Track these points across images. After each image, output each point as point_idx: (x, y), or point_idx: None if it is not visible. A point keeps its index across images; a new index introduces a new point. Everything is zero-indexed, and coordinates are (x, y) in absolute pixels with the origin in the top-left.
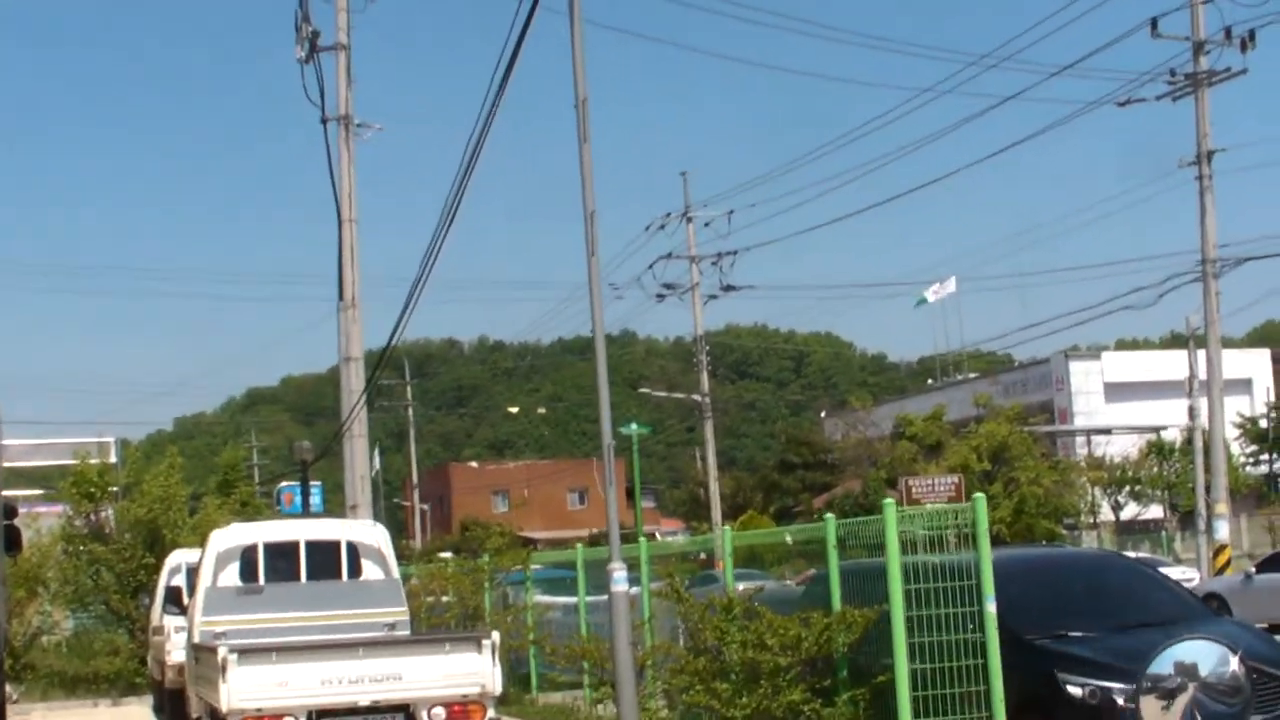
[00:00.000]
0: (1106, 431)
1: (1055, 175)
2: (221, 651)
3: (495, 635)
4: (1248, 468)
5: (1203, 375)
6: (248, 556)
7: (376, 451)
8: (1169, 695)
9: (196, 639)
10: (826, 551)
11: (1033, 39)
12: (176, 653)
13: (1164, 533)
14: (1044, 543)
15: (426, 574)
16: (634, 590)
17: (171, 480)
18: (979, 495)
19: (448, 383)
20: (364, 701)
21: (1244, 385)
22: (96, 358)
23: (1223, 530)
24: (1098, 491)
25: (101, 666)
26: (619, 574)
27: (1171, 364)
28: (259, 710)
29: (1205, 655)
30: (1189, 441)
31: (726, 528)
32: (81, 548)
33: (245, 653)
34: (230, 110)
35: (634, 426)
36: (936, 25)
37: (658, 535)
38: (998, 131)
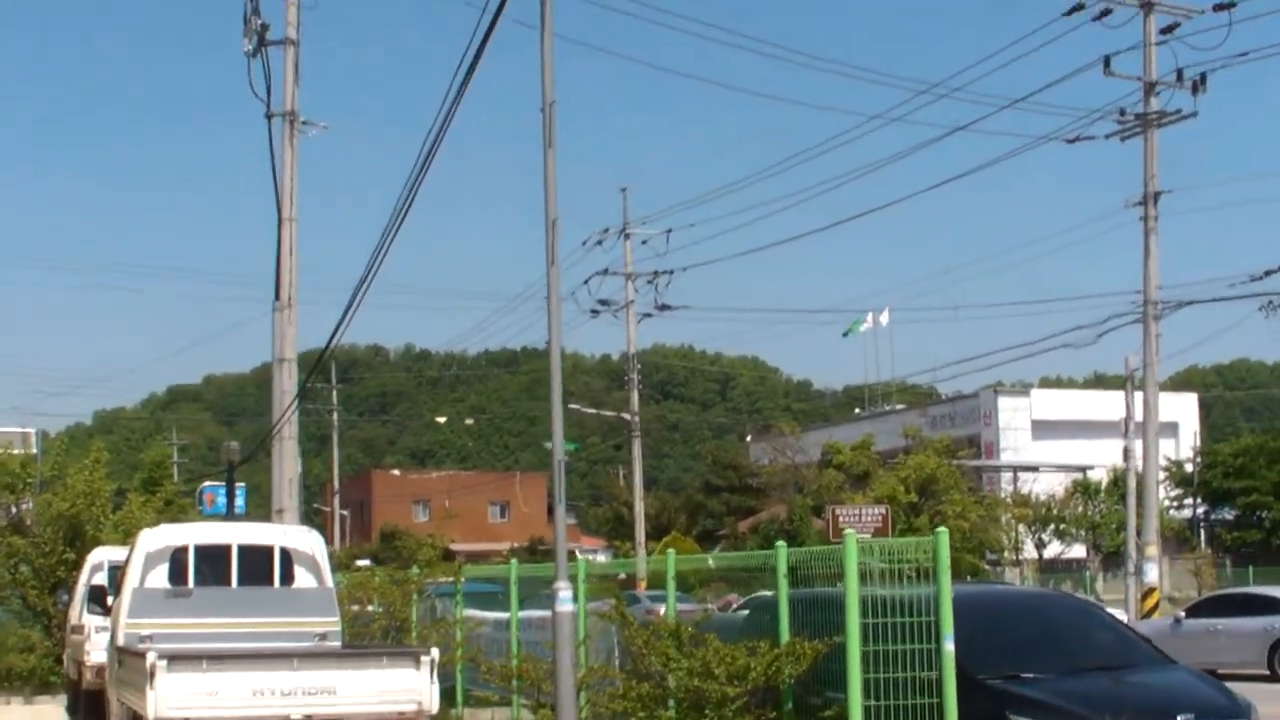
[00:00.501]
0: (1034, 468)
1: (997, 210)
2: (150, 657)
3: (434, 652)
4: (1171, 511)
5: (1138, 417)
6: (178, 558)
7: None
8: None
9: (121, 641)
10: (776, 580)
11: (984, 70)
12: (97, 653)
13: (1087, 572)
14: (969, 578)
15: (353, 583)
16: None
17: (96, 475)
18: (941, 530)
19: (372, 388)
20: (296, 715)
21: (1170, 429)
22: (14, 345)
23: (1152, 573)
24: (1022, 528)
25: (15, 663)
26: (564, 594)
27: (1099, 404)
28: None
29: None
30: (1115, 482)
31: (670, 552)
32: (0, 540)
33: (175, 659)
34: (170, 101)
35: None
36: (892, 51)
37: (578, 553)
38: (943, 163)
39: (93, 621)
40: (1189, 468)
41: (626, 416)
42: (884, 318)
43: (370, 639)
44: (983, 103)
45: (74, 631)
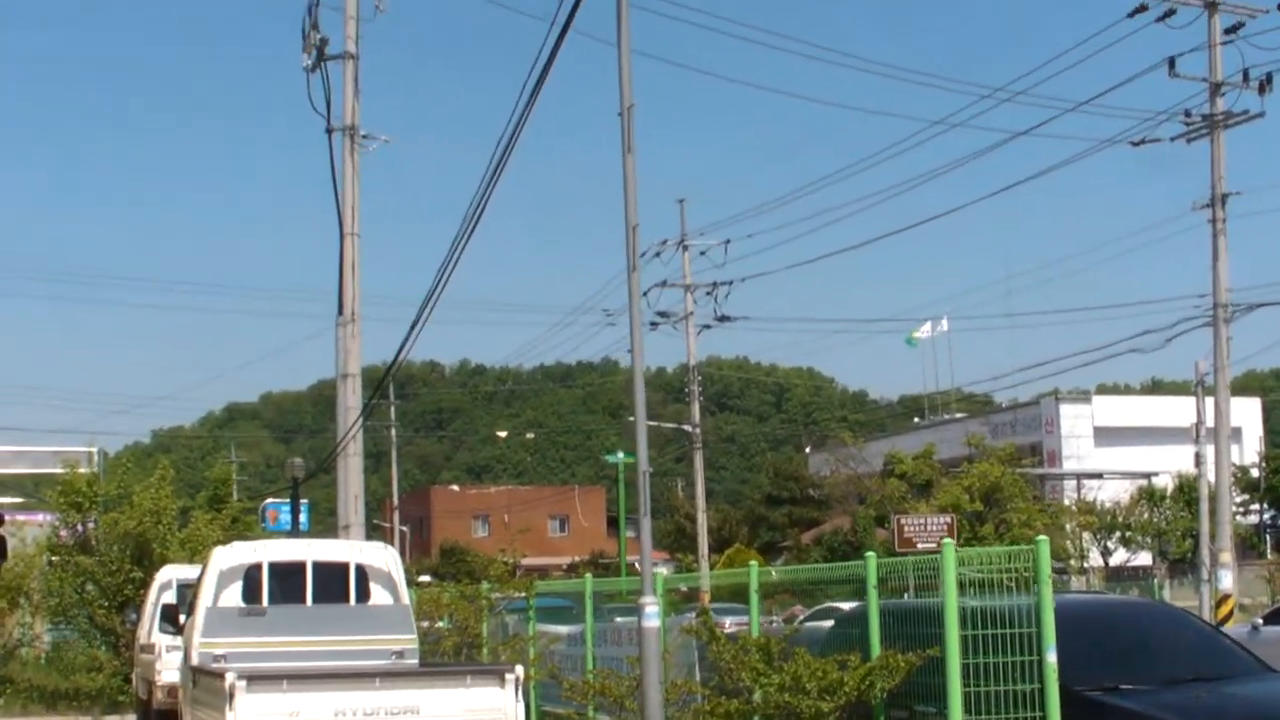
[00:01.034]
0: (1098, 476)
1: (1061, 216)
2: (230, 677)
3: (519, 669)
4: (1238, 517)
5: (1208, 422)
6: (251, 576)
7: None
8: None
9: (195, 660)
10: (867, 591)
11: (1048, 74)
12: (168, 673)
13: (1154, 579)
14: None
15: (422, 599)
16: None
17: (163, 493)
18: (1041, 538)
19: (428, 405)
20: None
21: (1235, 434)
22: (74, 366)
23: (1227, 580)
24: (1087, 536)
25: (83, 682)
26: (651, 608)
27: (1161, 410)
28: None
29: None
30: (1180, 488)
31: (753, 564)
32: (67, 559)
33: (255, 679)
34: (225, 118)
35: (620, 455)
36: (956, 56)
37: (636, 565)
38: (1007, 169)
39: (164, 640)
40: (1255, 473)
41: (687, 428)
42: (943, 325)
43: (442, 656)
44: (1047, 106)
45: (144, 650)
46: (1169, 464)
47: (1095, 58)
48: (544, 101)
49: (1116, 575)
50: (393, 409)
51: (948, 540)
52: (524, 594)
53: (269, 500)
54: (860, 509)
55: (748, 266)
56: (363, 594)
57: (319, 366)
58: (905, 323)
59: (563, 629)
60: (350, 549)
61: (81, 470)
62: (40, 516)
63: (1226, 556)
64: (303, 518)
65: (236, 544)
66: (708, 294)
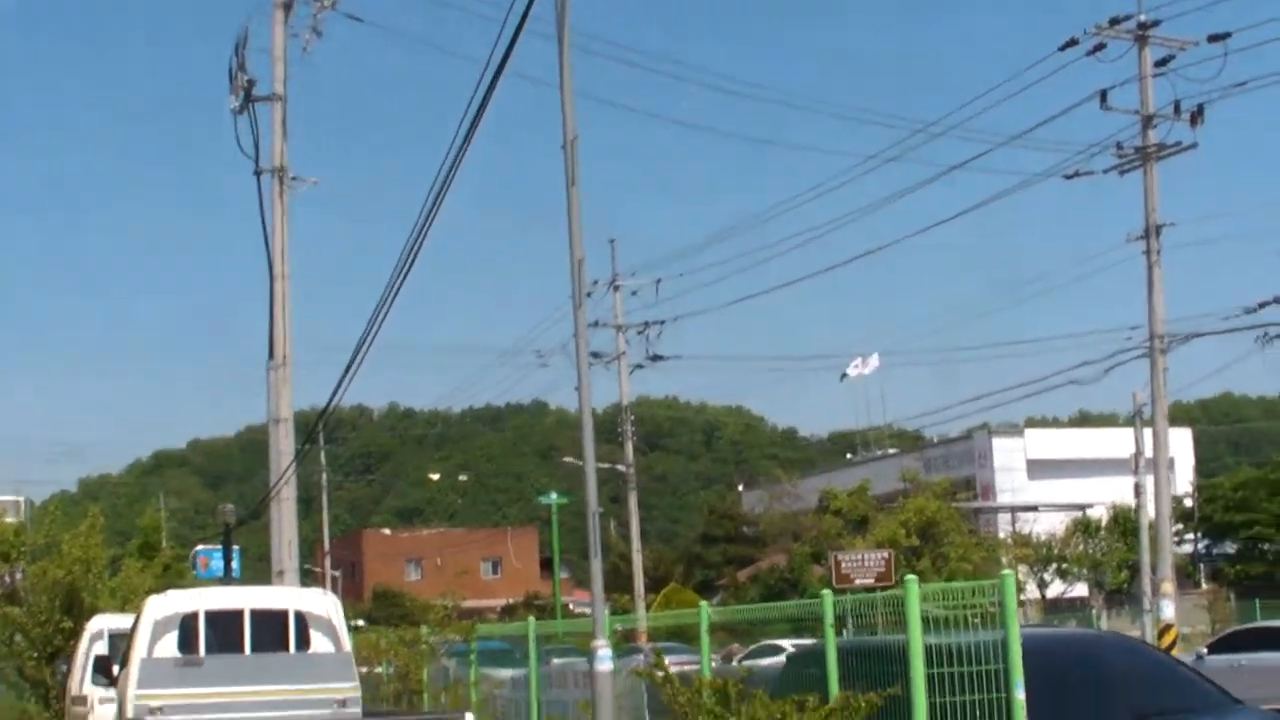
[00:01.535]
0: (1033, 508)
1: (992, 251)
2: None
3: (469, 717)
4: (1175, 547)
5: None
6: (187, 625)
7: None
8: None
9: (131, 714)
10: (824, 629)
11: (979, 109)
12: None
13: (1091, 610)
14: None
15: (363, 644)
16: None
17: (92, 541)
18: (1007, 572)
19: (357, 449)
20: None
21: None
22: None
23: (1169, 610)
24: (1023, 569)
25: None
26: (603, 652)
27: (1092, 441)
28: None
29: None
30: (1115, 519)
31: (704, 604)
32: None
33: None
34: (144, 160)
35: (554, 496)
36: (886, 92)
37: (571, 606)
38: (940, 204)
39: (96, 693)
40: (1188, 502)
41: (620, 468)
42: (874, 362)
43: (382, 703)
44: (980, 140)
45: (75, 703)
46: (1103, 495)
47: (1027, 92)
48: (475, 142)
49: (1054, 607)
50: (323, 453)
51: (911, 576)
52: (465, 638)
53: (200, 547)
54: (796, 546)
55: (679, 306)
56: (303, 641)
57: (247, 412)
58: (838, 359)
59: (505, 673)
60: (289, 595)
61: (8, 519)
62: None
63: (1168, 586)
64: (234, 564)
65: (171, 592)
66: (639, 333)
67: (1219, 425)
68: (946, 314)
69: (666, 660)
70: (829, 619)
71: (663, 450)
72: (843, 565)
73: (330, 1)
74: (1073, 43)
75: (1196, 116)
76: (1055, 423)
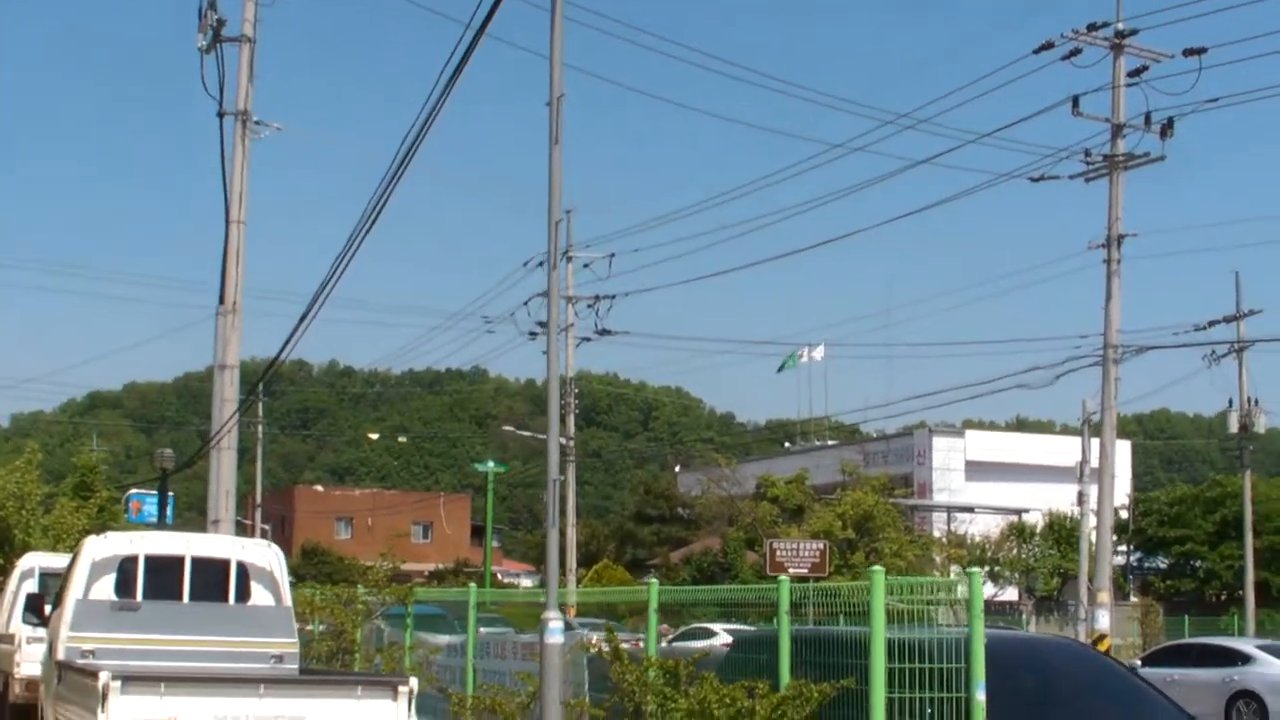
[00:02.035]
0: (970, 509)
1: (954, 248)
2: (104, 676)
3: (413, 682)
4: None
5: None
6: (126, 569)
7: None
8: None
9: (62, 655)
10: (779, 616)
11: (951, 104)
12: (28, 665)
13: (1020, 615)
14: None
15: (297, 600)
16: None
17: (28, 477)
18: (974, 570)
19: (294, 403)
20: None
21: None
22: None
23: (1104, 619)
24: (956, 569)
25: None
26: (555, 624)
27: (1032, 447)
28: None
29: None
30: (1050, 526)
31: (654, 580)
32: None
33: (130, 679)
34: (109, 92)
35: (491, 464)
36: (866, 82)
37: (499, 576)
38: (905, 197)
39: (24, 631)
40: (1123, 515)
41: (563, 441)
42: (818, 353)
43: (314, 660)
44: (949, 136)
45: (1, 641)
46: (1039, 501)
47: (999, 91)
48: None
49: (984, 609)
50: (261, 405)
51: (877, 567)
52: (402, 600)
53: (133, 490)
54: (731, 531)
55: (631, 282)
56: (243, 593)
57: (186, 358)
58: (785, 347)
59: (441, 638)
60: (232, 545)
61: None
62: None
63: (1105, 596)
64: (169, 510)
65: (111, 534)
66: (589, 307)
67: (1154, 440)
68: (897, 309)
69: (595, 637)
70: (784, 605)
71: (599, 426)
72: (778, 553)
73: None
74: (1048, 45)
75: (1167, 129)
76: (992, 426)
